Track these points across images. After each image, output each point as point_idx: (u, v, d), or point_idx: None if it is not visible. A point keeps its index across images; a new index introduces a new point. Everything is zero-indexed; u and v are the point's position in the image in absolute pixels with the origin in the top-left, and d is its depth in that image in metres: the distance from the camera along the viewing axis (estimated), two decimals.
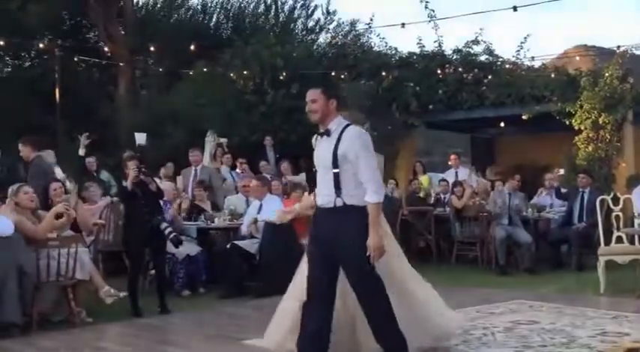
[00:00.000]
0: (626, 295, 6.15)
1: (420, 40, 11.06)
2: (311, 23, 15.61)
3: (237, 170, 9.13)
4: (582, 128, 9.42)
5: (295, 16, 15.51)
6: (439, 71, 10.71)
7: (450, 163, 10.20)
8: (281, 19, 15.13)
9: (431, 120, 11.34)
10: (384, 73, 10.95)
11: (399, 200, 9.44)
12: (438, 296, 4.26)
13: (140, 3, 15.04)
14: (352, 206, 3.49)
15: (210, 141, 9.74)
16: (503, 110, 10.37)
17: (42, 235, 5.15)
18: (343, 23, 14.24)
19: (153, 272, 6.15)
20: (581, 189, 8.22)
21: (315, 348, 3.55)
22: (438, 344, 4.19)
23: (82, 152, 8.06)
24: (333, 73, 11.44)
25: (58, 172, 7.52)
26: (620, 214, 6.79)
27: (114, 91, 13.46)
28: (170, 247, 5.93)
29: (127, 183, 5.62)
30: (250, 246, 6.62)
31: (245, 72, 11.36)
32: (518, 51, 10.64)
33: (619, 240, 6.63)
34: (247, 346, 4.52)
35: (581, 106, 9.40)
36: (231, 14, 15.49)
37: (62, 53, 12.08)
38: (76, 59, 12.87)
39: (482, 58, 10.82)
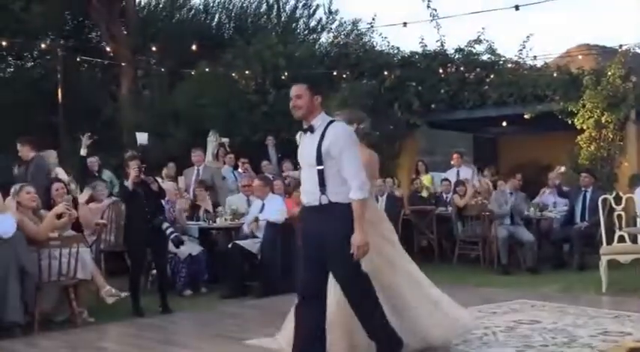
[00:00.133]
0: (628, 294, 6.15)
1: (422, 39, 11.07)
2: (313, 23, 15.63)
3: (239, 170, 9.14)
4: (585, 127, 9.40)
5: (297, 15, 15.52)
6: (441, 70, 10.69)
7: (452, 162, 10.19)
8: (283, 18, 15.13)
9: (433, 120, 11.33)
10: (386, 73, 10.94)
11: (401, 199, 9.44)
12: (441, 297, 4.22)
13: (142, 3, 15.05)
14: (338, 203, 3.44)
15: (212, 140, 9.75)
16: (506, 109, 10.34)
17: (43, 235, 5.16)
18: (345, 23, 14.27)
19: (154, 272, 6.15)
20: (583, 189, 8.20)
21: (312, 349, 3.52)
22: (446, 342, 4.17)
23: (83, 152, 8.08)
24: (335, 73, 11.44)
25: (61, 173, 7.55)
26: (623, 213, 6.79)
27: (116, 91, 13.48)
28: (172, 247, 5.94)
29: (129, 183, 5.63)
30: (252, 245, 6.62)
31: (247, 72, 11.37)
32: (521, 50, 10.63)
33: (621, 239, 6.62)
34: (249, 346, 4.52)
35: (584, 105, 9.38)
36: (233, 14, 15.50)
37: (65, 53, 12.12)
38: (78, 59, 12.90)
39: (485, 57, 10.81)
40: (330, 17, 15.23)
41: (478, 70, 10.56)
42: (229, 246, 6.75)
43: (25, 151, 6.75)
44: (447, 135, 12.94)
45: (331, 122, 3.53)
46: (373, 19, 11.94)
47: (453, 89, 10.59)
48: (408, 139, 11.34)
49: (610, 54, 10.15)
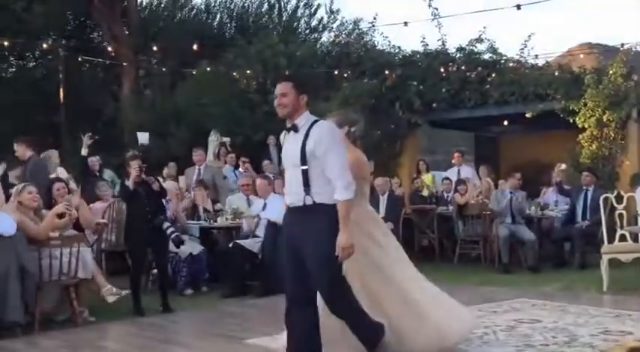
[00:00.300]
0: (629, 293, 6.14)
1: (424, 38, 11.06)
2: (314, 22, 15.61)
3: (240, 169, 9.15)
4: (586, 126, 9.39)
5: (298, 15, 15.52)
6: (442, 70, 10.69)
7: (453, 161, 10.19)
8: (284, 18, 15.13)
9: (434, 119, 11.33)
10: (387, 72, 10.94)
11: (402, 198, 9.44)
12: (440, 297, 4.13)
13: (144, 3, 15.07)
14: (322, 204, 3.35)
15: (213, 140, 9.77)
16: (507, 108, 10.34)
17: (43, 235, 5.17)
18: (346, 22, 14.26)
19: (155, 271, 6.16)
20: (584, 187, 8.19)
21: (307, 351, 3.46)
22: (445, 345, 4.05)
23: (84, 152, 8.11)
24: (336, 72, 11.45)
25: (62, 172, 7.57)
26: (624, 212, 6.77)
27: (118, 91, 13.50)
28: (173, 246, 5.94)
29: (129, 183, 5.64)
30: (253, 245, 6.63)
31: (248, 71, 11.38)
32: (522, 49, 10.61)
33: (622, 238, 6.61)
34: (249, 345, 4.52)
35: (585, 104, 9.37)
36: (234, 14, 15.51)
37: (66, 53, 12.14)
38: (80, 59, 12.91)
39: (486, 56, 10.79)
40: (332, 17, 15.21)
41: (479, 69, 10.54)
42: (230, 245, 6.76)
43: (22, 151, 6.76)
44: (449, 135, 12.94)
45: (315, 121, 3.43)
46: (374, 19, 11.96)
47: (455, 88, 10.58)
48: (409, 138, 11.34)
49: (611, 52, 10.13)
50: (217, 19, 15.53)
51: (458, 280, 7.22)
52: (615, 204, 6.83)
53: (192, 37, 13.00)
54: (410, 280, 4.00)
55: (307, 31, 15.42)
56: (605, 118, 9.25)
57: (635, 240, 6.65)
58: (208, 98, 11.30)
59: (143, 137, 8.00)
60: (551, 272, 7.61)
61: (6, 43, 11.57)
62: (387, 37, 11.71)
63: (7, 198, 5.52)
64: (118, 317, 5.43)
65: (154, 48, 12.70)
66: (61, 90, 11.59)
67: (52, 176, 6.92)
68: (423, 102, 10.77)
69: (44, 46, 12.70)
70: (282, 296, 4.05)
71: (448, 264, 8.56)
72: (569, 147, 9.59)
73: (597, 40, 12.04)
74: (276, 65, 11.20)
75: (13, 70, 13.92)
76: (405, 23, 10.48)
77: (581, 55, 10.85)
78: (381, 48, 11.68)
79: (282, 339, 4.00)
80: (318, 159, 3.33)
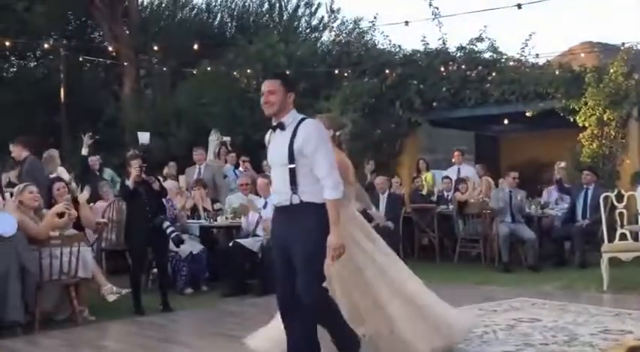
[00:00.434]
0: (629, 292, 6.13)
1: (424, 37, 11.05)
2: (315, 21, 15.65)
3: (240, 168, 9.15)
4: (587, 125, 9.37)
5: (299, 14, 15.53)
6: (443, 69, 10.67)
7: (453, 160, 10.19)
8: (285, 17, 15.15)
9: (435, 118, 11.32)
10: (387, 71, 10.93)
11: (402, 197, 9.44)
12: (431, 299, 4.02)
13: (145, 3, 15.11)
14: (310, 203, 3.28)
15: (213, 139, 9.77)
16: (508, 107, 10.31)
17: (44, 234, 5.18)
18: (347, 21, 14.27)
19: (155, 270, 6.17)
20: (585, 186, 8.18)
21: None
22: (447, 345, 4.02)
23: (84, 151, 8.14)
24: (336, 71, 11.45)
25: (62, 172, 7.59)
26: (624, 211, 6.75)
27: (118, 91, 13.52)
28: (173, 245, 5.95)
29: (129, 182, 5.65)
30: (253, 244, 6.63)
31: (249, 71, 11.39)
32: (523, 48, 10.60)
33: (623, 237, 6.59)
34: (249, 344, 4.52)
35: (586, 103, 9.35)
36: (235, 13, 15.55)
37: (67, 53, 12.16)
38: (81, 59, 12.94)
39: (487, 55, 10.78)
40: (332, 16, 15.23)
41: (480, 67, 10.52)
42: (230, 244, 6.76)
43: (18, 151, 6.80)
44: (449, 134, 12.93)
45: (302, 119, 3.36)
46: (375, 18, 11.95)
47: (455, 87, 10.56)
48: (409, 137, 11.33)
49: (612, 51, 10.11)
50: (218, 19, 15.58)
51: (458, 279, 7.22)
52: (616, 203, 6.81)
53: (192, 36, 13.04)
54: (400, 282, 3.90)
55: (308, 31, 15.45)
56: (605, 117, 9.23)
57: (635, 238, 6.64)
58: (209, 97, 11.33)
59: (144, 137, 7.99)
60: (551, 271, 7.60)
61: (7, 43, 11.59)
62: (387, 36, 11.71)
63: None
64: (118, 316, 5.44)
65: (155, 47, 12.72)
66: (62, 90, 11.61)
67: (53, 176, 6.94)
68: (423, 101, 10.75)
69: (45, 46, 12.74)
70: None
71: (448, 263, 8.57)
72: (569, 146, 9.57)
73: (598, 39, 12.05)
74: (277, 64, 11.21)
75: (14, 69, 13.96)
76: (406, 22, 10.47)
77: (582, 54, 10.83)
78: (382, 47, 11.68)
79: (258, 336, 3.94)
80: (307, 157, 3.28)
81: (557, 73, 9.85)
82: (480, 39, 10.74)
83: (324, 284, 3.33)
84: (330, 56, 12.33)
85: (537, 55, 10.65)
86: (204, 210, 7.51)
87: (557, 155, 9.30)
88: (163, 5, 15.40)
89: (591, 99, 9.28)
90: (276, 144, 3.39)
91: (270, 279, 6.35)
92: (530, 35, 10.54)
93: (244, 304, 6.07)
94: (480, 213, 8.43)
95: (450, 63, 10.70)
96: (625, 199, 6.84)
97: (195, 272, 6.66)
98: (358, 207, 4.35)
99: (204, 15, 15.53)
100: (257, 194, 7.17)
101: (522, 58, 10.57)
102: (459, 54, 10.84)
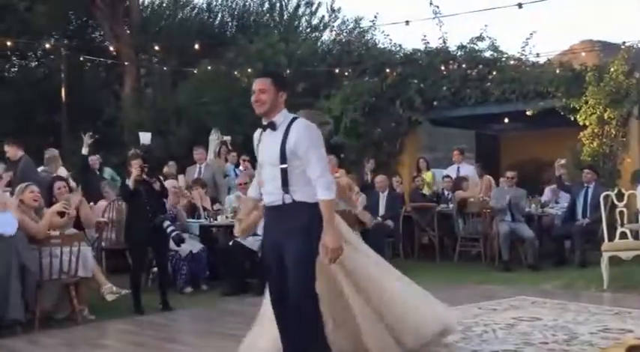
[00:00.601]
0: (629, 291, 6.13)
1: (425, 36, 11.05)
2: (315, 21, 15.64)
3: (241, 167, 9.16)
4: (587, 123, 9.37)
5: (299, 13, 15.54)
6: (443, 67, 10.67)
7: (453, 159, 10.20)
8: (285, 17, 15.15)
9: (435, 117, 11.33)
10: (388, 70, 10.94)
11: (402, 196, 9.45)
12: (417, 294, 4.00)
13: (145, 2, 15.11)
14: (302, 202, 3.22)
15: (214, 139, 9.78)
16: (508, 106, 10.31)
17: (43, 233, 5.19)
18: (347, 21, 14.28)
19: (155, 269, 6.18)
20: (585, 185, 8.17)
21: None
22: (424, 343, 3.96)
23: (85, 151, 8.16)
24: (337, 71, 11.46)
25: (62, 171, 7.61)
26: (625, 210, 6.74)
27: (119, 90, 13.54)
28: (173, 244, 5.95)
29: (130, 182, 5.66)
30: (253, 243, 6.62)
31: (249, 70, 11.39)
32: (524, 47, 10.59)
33: (623, 235, 6.58)
34: None
35: (586, 102, 9.35)
36: (235, 13, 15.55)
37: (68, 53, 12.17)
38: (82, 59, 12.96)
39: (487, 54, 10.78)
40: (333, 15, 15.25)
41: (480, 66, 10.52)
42: (230, 243, 6.76)
43: (13, 152, 6.84)
44: (449, 132, 12.94)
45: (294, 119, 3.30)
46: (375, 17, 11.96)
47: (455, 86, 10.56)
48: (409, 136, 11.34)
49: (613, 50, 10.10)
50: (218, 18, 15.58)
51: (458, 278, 7.22)
52: (616, 202, 6.80)
53: (193, 36, 13.06)
54: (379, 281, 3.84)
55: (308, 30, 15.45)
56: (606, 116, 9.22)
57: (635, 237, 6.64)
58: (209, 97, 11.33)
59: (145, 137, 8.01)
60: (551, 270, 7.59)
61: (9, 43, 11.62)
62: (387, 35, 11.74)
63: None
64: (118, 315, 5.44)
65: (156, 47, 12.74)
66: (63, 90, 11.62)
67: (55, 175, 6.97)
68: (423, 100, 10.76)
69: (46, 45, 12.74)
70: None
71: (448, 262, 8.57)
72: (570, 145, 9.57)
73: (599, 37, 12.02)
74: (277, 64, 11.21)
75: (15, 69, 13.98)
76: (407, 22, 10.46)
77: (583, 53, 10.81)
78: (382, 46, 11.69)
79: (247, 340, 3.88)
80: (300, 158, 3.22)
81: (557, 71, 9.85)
82: (480, 38, 10.74)
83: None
84: (331, 55, 12.35)
85: (538, 54, 10.66)
86: (204, 209, 7.51)
87: (557, 154, 9.29)
88: (164, 5, 15.41)
89: (592, 98, 9.27)
90: (267, 144, 3.33)
91: None
92: (531, 34, 10.55)
93: (244, 303, 6.06)
94: (480, 212, 8.43)
95: (451, 62, 10.70)
96: (625, 198, 6.83)
97: (195, 271, 6.67)
98: (343, 207, 4.30)
99: (204, 14, 15.54)
100: None
101: (523, 56, 10.57)
102: (459, 53, 10.85)
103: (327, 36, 14.67)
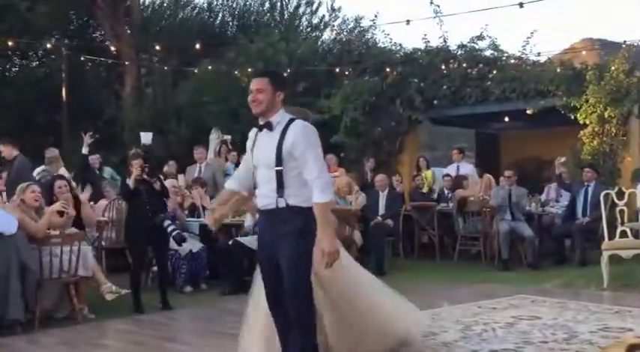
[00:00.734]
0: (629, 290, 6.13)
1: (425, 35, 11.05)
2: (315, 20, 15.66)
3: None
4: (587, 122, 9.36)
5: (300, 13, 15.55)
6: (443, 66, 10.67)
7: (453, 158, 10.20)
8: (286, 16, 15.16)
9: (435, 116, 11.32)
10: (388, 69, 10.93)
11: (402, 195, 9.44)
12: (390, 299, 3.92)
13: (146, 2, 15.12)
14: (296, 207, 3.16)
15: (214, 138, 9.78)
16: (508, 105, 10.30)
17: (42, 232, 5.19)
18: (348, 20, 14.29)
19: (155, 268, 6.18)
20: (586, 183, 8.17)
21: None
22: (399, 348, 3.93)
23: (85, 150, 8.17)
24: (337, 70, 11.46)
25: (64, 172, 7.61)
26: (625, 208, 6.74)
27: (120, 90, 13.55)
28: (173, 244, 5.96)
29: (130, 182, 5.66)
30: (252, 242, 6.60)
31: (250, 69, 11.39)
32: (524, 46, 10.58)
33: (623, 234, 6.58)
34: None
35: (587, 100, 9.34)
36: (236, 12, 15.57)
37: (69, 52, 12.18)
38: (82, 58, 12.97)
39: (488, 53, 10.77)
40: (333, 14, 15.26)
41: (481, 65, 10.51)
42: (230, 242, 6.77)
43: (8, 151, 6.87)
44: (450, 131, 12.94)
45: (292, 120, 3.22)
46: (375, 17, 11.96)
47: (456, 85, 10.55)
48: (409, 135, 11.33)
49: (614, 48, 10.08)
50: (219, 18, 15.60)
51: (458, 277, 7.23)
52: (616, 200, 6.80)
53: (193, 35, 13.08)
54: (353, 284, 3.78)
55: (309, 29, 15.46)
56: (606, 114, 9.21)
57: (635, 236, 6.63)
58: (209, 96, 11.34)
59: (146, 137, 8.02)
60: (551, 269, 7.59)
61: (10, 43, 11.64)
62: (388, 34, 11.72)
63: None
64: (118, 314, 5.45)
65: (156, 47, 12.75)
66: (64, 90, 11.63)
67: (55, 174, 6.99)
68: (424, 99, 10.75)
69: (47, 45, 12.76)
70: None
71: (448, 261, 8.57)
72: (570, 144, 9.55)
73: (600, 36, 11.99)
74: (278, 63, 11.21)
75: (16, 69, 13.99)
76: (408, 21, 10.45)
77: (583, 52, 10.80)
78: (383, 45, 11.68)
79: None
80: (296, 160, 3.15)
81: (558, 70, 9.83)
82: (481, 37, 10.73)
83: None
84: (331, 55, 12.34)
85: (539, 53, 10.65)
86: (204, 208, 7.51)
87: (557, 152, 9.28)
88: (165, 5, 15.42)
89: (592, 97, 9.26)
90: (262, 144, 3.25)
91: None
92: (532, 33, 10.54)
93: (244, 302, 5.97)
94: (480, 211, 8.42)
95: (451, 61, 10.69)
96: (626, 196, 6.83)
97: (195, 270, 6.67)
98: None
99: (205, 14, 15.55)
100: None
101: (523, 55, 10.56)
102: (459, 52, 10.83)
103: (327, 35, 14.69)
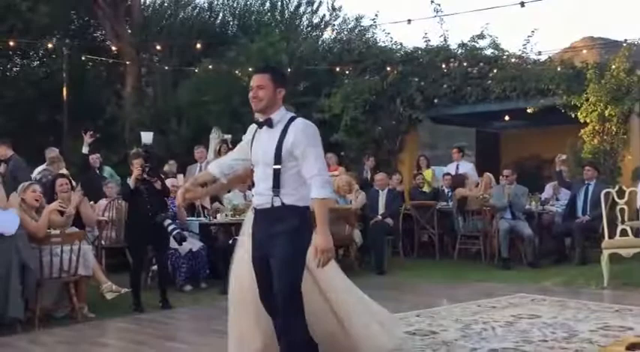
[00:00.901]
0: (629, 289, 6.13)
1: (426, 34, 11.04)
2: (316, 19, 15.65)
3: None
4: (588, 121, 9.35)
5: (300, 12, 15.54)
6: (444, 65, 10.66)
7: (452, 157, 10.20)
8: (286, 15, 15.16)
9: (436, 115, 11.32)
10: (388, 68, 10.93)
11: (402, 194, 9.44)
12: (366, 306, 3.81)
13: (147, 2, 15.13)
14: (292, 206, 3.10)
15: (214, 137, 9.78)
16: (509, 104, 10.30)
17: (42, 231, 5.20)
18: (348, 19, 14.28)
19: (155, 267, 6.19)
20: (586, 182, 8.16)
21: None
22: None
23: (85, 150, 8.17)
24: (338, 69, 11.46)
25: (64, 171, 7.63)
26: (625, 207, 6.73)
27: (120, 89, 13.56)
28: (173, 243, 5.96)
29: (130, 181, 5.67)
30: None
31: (250, 69, 11.40)
32: (525, 45, 10.57)
33: (623, 232, 6.57)
34: None
35: (587, 99, 9.33)
36: (236, 12, 15.56)
37: (70, 52, 12.19)
38: (83, 58, 12.98)
39: (488, 52, 10.76)
40: (334, 14, 15.23)
41: (481, 64, 10.51)
42: (230, 241, 6.76)
43: (3, 151, 6.89)
44: (450, 130, 12.93)
45: (293, 118, 3.16)
46: (376, 16, 11.95)
47: (456, 84, 10.56)
48: (410, 134, 11.34)
49: (614, 47, 10.08)
50: (220, 18, 15.58)
51: (457, 276, 7.22)
52: (617, 199, 6.80)
53: (194, 35, 13.08)
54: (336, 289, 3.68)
55: (309, 29, 15.45)
56: (607, 113, 9.21)
57: (636, 234, 6.61)
58: (210, 96, 11.33)
59: (147, 137, 8.02)
60: (551, 268, 7.59)
61: (11, 43, 11.65)
62: (388, 33, 11.72)
63: None
64: (118, 313, 5.45)
65: (157, 46, 12.76)
66: (64, 89, 11.64)
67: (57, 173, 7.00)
68: (424, 98, 10.75)
69: (48, 45, 12.77)
70: None
71: (448, 260, 8.57)
72: (570, 142, 9.55)
73: (600, 35, 11.99)
74: (278, 62, 11.21)
75: (17, 68, 14.00)
76: (409, 21, 10.44)
77: (584, 51, 10.79)
78: (383, 44, 11.68)
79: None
80: (296, 158, 3.10)
81: (558, 69, 9.83)
82: (481, 36, 10.73)
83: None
84: (332, 54, 12.33)
85: (540, 52, 10.65)
86: (204, 208, 7.51)
87: (558, 151, 9.28)
88: (165, 4, 15.42)
89: (593, 96, 9.25)
90: (262, 142, 3.20)
91: None
92: (533, 32, 10.55)
93: None
94: (480, 210, 8.42)
95: (452, 60, 10.69)
96: (626, 195, 6.82)
97: (195, 269, 6.68)
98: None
99: (205, 14, 15.54)
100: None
101: (524, 54, 10.55)
102: (460, 51, 10.83)
103: (328, 34, 14.65)
